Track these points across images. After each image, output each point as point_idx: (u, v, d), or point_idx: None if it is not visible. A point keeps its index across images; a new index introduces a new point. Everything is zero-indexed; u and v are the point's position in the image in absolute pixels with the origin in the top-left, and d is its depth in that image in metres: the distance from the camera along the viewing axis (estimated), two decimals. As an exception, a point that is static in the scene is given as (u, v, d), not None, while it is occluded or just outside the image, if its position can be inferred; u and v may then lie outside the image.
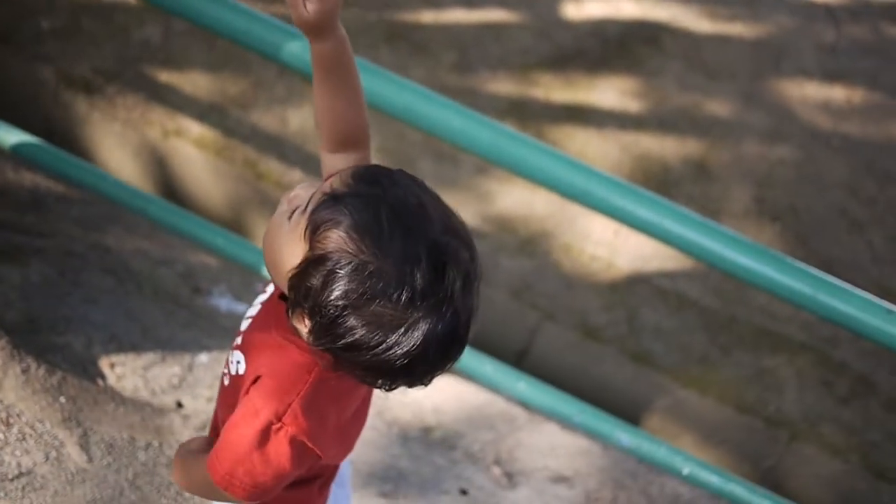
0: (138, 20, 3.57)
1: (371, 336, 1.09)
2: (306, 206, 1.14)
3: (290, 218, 1.17)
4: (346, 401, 1.37)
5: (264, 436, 1.25)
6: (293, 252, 1.14)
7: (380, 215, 1.09)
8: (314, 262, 1.11)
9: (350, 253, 1.08)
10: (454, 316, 1.11)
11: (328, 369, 1.23)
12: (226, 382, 1.41)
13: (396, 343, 1.09)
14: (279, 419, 1.24)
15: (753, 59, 4.20)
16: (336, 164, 1.35)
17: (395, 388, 1.18)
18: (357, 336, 1.10)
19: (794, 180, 3.78)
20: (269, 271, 1.24)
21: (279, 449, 1.25)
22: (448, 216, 1.15)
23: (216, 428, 1.52)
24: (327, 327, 1.11)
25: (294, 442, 1.25)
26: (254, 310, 1.43)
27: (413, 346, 1.10)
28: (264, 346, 1.30)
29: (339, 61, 1.32)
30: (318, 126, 1.38)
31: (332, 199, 1.12)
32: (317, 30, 1.28)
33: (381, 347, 1.10)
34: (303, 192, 1.19)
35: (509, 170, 2.17)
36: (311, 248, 1.11)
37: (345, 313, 1.09)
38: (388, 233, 1.08)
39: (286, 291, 1.17)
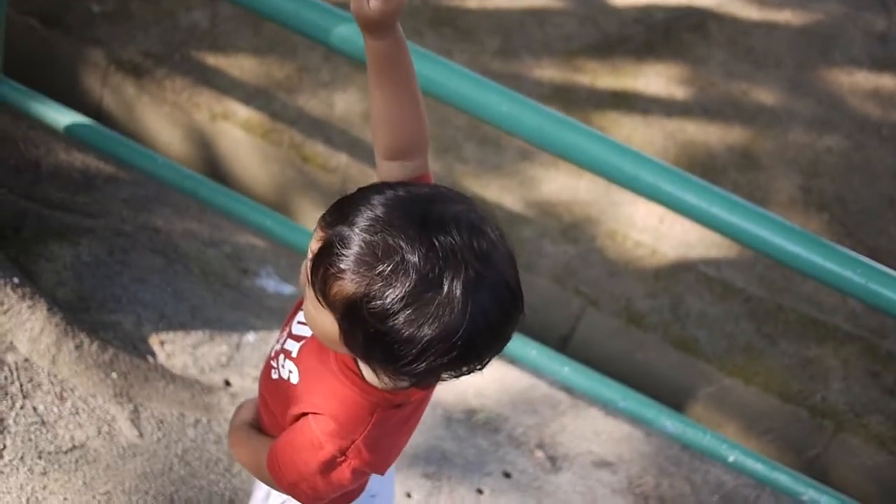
0: (186, 4, 3.61)
1: (427, 336, 1.10)
2: (307, 279, 1.18)
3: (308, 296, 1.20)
4: (410, 423, 1.40)
5: (328, 466, 1.29)
6: (327, 320, 1.17)
7: (357, 243, 1.10)
8: (345, 318, 1.14)
9: (361, 292, 1.10)
10: (475, 268, 1.10)
11: (391, 406, 1.28)
12: (273, 376, 1.43)
13: (448, 326, 1.10)
14: (343, 454, 1.28)
15: (801, 47, 4.15)
16: (392, 171, 1.35)
17: (486, 364, 1.19)
18: (416, 345, 1.11)
19: (842, 169, 3.74)
20: (331, 347, 1.26)
21: (342, 476, 1.30)
22: (420, 199, 1.15)
23: (264, 404, 1.54)
24: (396, 361, 1.13)
25: (356, 471, 1.31)
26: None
27: (461, 316, 1.09)
28: (323, 376, 1.31)
29: (394, 61, 1.30)
30: (373, 132, 1.37)
31: (317, 260, 1.14)
32: (376, 28, 1.26)
33: (441, 341, 1.10)
34: (304, 268, 1.22)
35: (558, 155, 2.16)
36: (334, 309, 1.14)
37: (395, 339, 1.11)
38: (371, 252, 1.10)
39: (354, 356, 1.22)
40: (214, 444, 2.23)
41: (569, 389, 2.80)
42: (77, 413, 2.09)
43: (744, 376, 3.11)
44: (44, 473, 1.95)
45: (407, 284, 1.08)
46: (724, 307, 3.25)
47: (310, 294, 1.18)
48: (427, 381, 1.19)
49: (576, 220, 3.35)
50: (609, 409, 2.76)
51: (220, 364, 2.45)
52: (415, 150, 1.36)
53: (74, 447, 2.03)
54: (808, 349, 3.20)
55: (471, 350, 1.13)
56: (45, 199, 2.64)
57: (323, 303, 1.15)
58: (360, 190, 1.18)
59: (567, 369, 2.68)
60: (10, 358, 2.08)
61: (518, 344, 2.70)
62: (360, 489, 1.52)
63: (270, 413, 1.46)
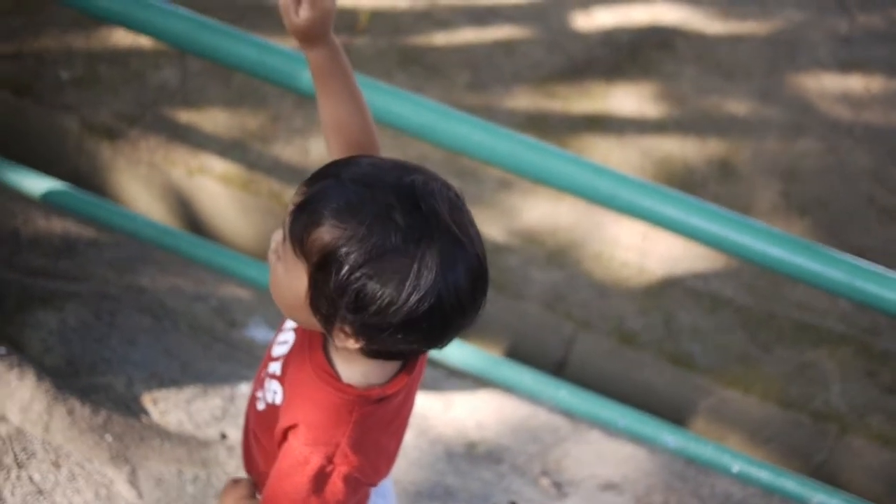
0: (154, 64, 3.62)
1: (399, 290, 1.11)
2: (284, 234, 1.19)
3: (278, 257, 1.21)
4: (394, 424, 1.38)
5: (319, 480, 1.26)
6: (297, 277, 1.17)
7: (344, 193, 1.13)
8: (319, 267, 1.14)
9: (341, 238, 1.12)
10: (454, 237, 1.14)
11: (370, 402, 1.26)
12: (259, 407, 1.42)
13: (420, 284, 1.11)
14: (331, 461, 1.26)
15: (768, 56, 4.20)
16: None
17: (447, 342, 1.20)
18: (387, 297, 1.11)
19: (819, 172, 3.76)
20: (291, 315, 1.27)
21: (335, 488, 1.27)
22: (405, 167, 1.19)
23: (249, 451, 1.53)
24: (362, 311, 1.13)
25: (348, 479, 1.27)
26: (287, 335, 1.43)
27: (435, 278, 1.12)
28: (301, 385, 1.30)
29: (335, 68, 1.38)
30: (326, 142, 1.44)
31: (299, 209, 1.16)
32: (309, 37, 1.34)
33: (411, 297, 1.11)
34: (277, 233, 1.23)
35: (534, 179, 2.17)
36: (308, 258, 1.15)
37: (367, 286, 1.12)
38: (357, 202, 1.12)
39: (316, 322, 1.20)
40: (214, 498, 2.21)
41: (568, 414, 2.79)
42: (74, 479, 2.07)
43: (742, 386, 3.11)
44: (43, 543, 1.92)
45: (387, 238, 1.11)
46: (716, 319, 3.25)
47: (285, 249, 1.18)
48: (390, 344, 1.18)
49: (560, 244, 3.35)
50: (610, 430, 2.75)
51: (214, 417, 2.43)
52: (366, 150, 1.42)
53: (73, 514, 2.00)
54: (803, 354, 3.20)
55: (435, 316, 1.14)
56: (26, 268, 2.63)
57: (298, 251, 1.15)
58: (344, 158, 1.21)
59: (563, 392, 2.67)
60: (2, 429, 2.06)
61: (513, 371, 2.69)
62: None
63: (262, 448, 1.44)
